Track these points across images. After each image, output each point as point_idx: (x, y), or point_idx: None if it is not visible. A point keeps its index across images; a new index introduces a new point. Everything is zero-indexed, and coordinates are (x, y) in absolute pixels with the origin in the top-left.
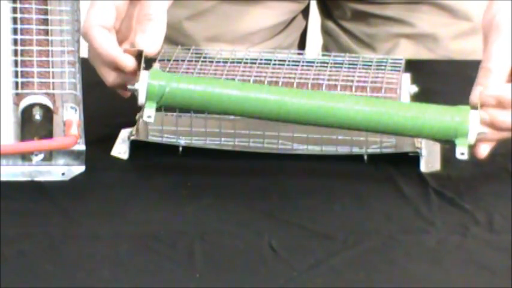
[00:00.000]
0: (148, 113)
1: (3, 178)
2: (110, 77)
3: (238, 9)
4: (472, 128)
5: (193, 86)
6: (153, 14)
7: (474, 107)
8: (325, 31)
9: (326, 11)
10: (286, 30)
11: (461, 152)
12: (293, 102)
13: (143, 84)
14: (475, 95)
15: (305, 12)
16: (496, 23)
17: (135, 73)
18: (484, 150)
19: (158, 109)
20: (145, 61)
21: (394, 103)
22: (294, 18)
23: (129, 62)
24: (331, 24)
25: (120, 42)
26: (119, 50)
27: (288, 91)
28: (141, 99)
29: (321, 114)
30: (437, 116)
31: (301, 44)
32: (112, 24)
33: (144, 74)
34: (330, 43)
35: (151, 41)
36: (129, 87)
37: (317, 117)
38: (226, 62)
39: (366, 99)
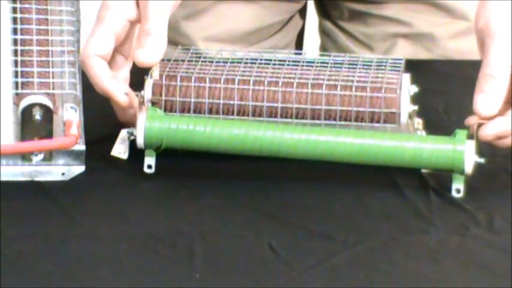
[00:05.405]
0: (149, 162)
1: (3, 178)
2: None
3: (235, 8)
4: (468, 158)
5: (193, 127)
6: (153, 29)
7: (471, 132)
8: (323, 31)
9: (323, 11)
10: (283, 30)
11: (457, 189)
12: (293, 139)
13: (141, 128)
14: (480, 103)
15: (302, 12)
16: (491, 28)
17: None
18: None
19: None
20: None
21: (391, 135)
22: (291, 18)
23: (122, 99)
24: (328, 24)
25: (120, 64)
26: (113, 85)
27: (288, 128)
28: (139, 143)
29: (320, 149)
30: (433, 148)
31: (299, 44)
32: (110, 53)
33: (142, 117)
34: (328, 43)
35: (150, 54)
36: (127, 130)
37: (318, 153)
38: (226, 62)
39: (362, 133)
